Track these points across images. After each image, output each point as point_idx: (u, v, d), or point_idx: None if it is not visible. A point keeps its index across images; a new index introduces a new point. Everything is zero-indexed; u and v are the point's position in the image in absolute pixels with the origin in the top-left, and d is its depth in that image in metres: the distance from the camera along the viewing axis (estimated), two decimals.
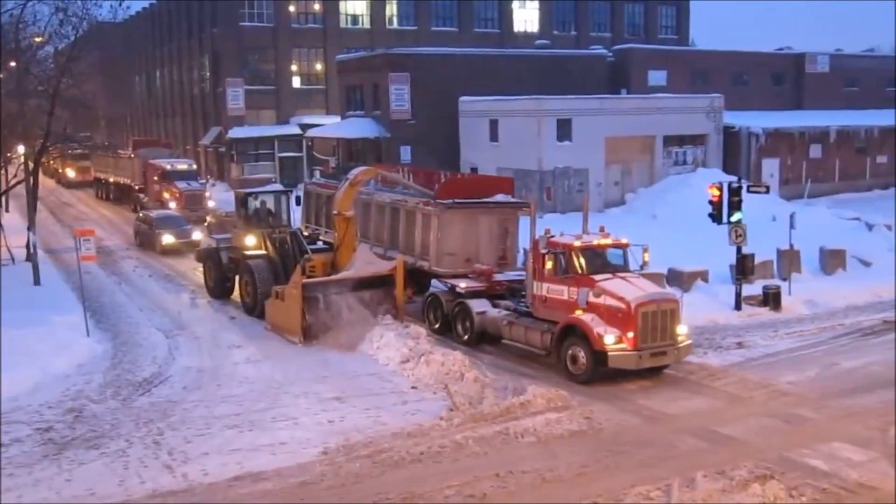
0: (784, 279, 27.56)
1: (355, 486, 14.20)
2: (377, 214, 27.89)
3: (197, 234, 37.76)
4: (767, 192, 27.83)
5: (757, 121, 50.85)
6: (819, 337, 23.13)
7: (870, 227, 35.64)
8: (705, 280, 27.50)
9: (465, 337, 22.76)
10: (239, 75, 65.55)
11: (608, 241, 20.62)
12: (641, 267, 20.69)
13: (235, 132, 64.44)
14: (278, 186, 31.16)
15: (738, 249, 25.55)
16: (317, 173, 58.70)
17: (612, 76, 56.06)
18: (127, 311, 27.35)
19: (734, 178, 28.00)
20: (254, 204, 28.03)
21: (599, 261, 20.27)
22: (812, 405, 17.77)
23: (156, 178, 48.57)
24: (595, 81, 53.75)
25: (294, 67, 68.47)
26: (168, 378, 20.27)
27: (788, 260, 28.11)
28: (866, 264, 30.62)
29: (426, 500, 13.53)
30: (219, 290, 28.57)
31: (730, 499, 13.31)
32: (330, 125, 60.17)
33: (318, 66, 68.85)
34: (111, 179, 59.46)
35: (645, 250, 20.70)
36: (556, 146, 45.09)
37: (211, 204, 47.76)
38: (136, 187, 52.86)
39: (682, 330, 19.65)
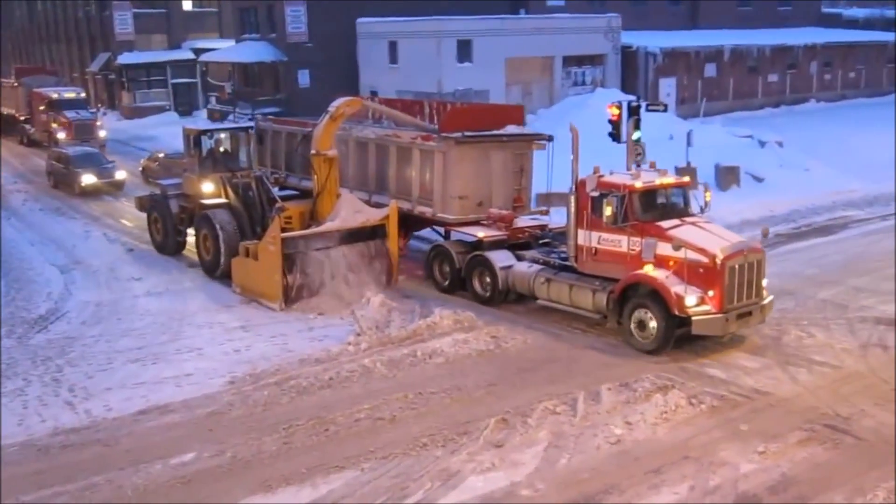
0: None
1: (264, 413, 14.14)
2: (358, 153, 23.49)
3: (121, 174, 35.37)
4: (665, 110, 28.12)
5: (654, 40, 51.27)
6: None
7: (762, 143, 36.55)
8: None
9: (487, 295, 19.59)
10: None
11: (671, 179, 17.59)
12: (702, 209, 17.86)
13: (125, 58, 62.09)
14: (237, 124, 26.49)
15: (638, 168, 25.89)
16: (213, 100, 57.37)
17: None
18: (18, 247, 26.34)
19: (633, 98, 28.23)
20: (208, 143, 24.08)
21: (663, 204, 17.29)
22: None
23: (42, 107, 46.52)
24: (494, 2, 53.21)
25: None
26: (65, 314, 19.70)
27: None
28: (759, 180, 31.54)
29: (336, 425, 13.56)
30: (170, 245, 24.66)
31: (633, 409, 13.72)
32: (224, 49, 58.37)
33: None
34: None
35: (706, 189, 18.15)
36: (457, 67, 44.74)
37: (102, 133, 46.06)
38: (22, 118, 50.60)
39: (764, 284, 16.96)
